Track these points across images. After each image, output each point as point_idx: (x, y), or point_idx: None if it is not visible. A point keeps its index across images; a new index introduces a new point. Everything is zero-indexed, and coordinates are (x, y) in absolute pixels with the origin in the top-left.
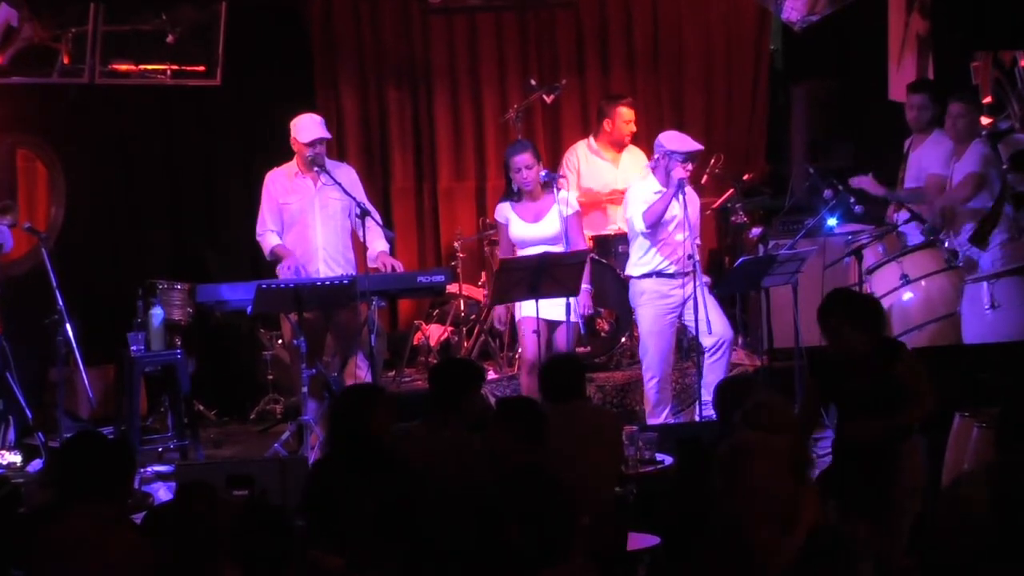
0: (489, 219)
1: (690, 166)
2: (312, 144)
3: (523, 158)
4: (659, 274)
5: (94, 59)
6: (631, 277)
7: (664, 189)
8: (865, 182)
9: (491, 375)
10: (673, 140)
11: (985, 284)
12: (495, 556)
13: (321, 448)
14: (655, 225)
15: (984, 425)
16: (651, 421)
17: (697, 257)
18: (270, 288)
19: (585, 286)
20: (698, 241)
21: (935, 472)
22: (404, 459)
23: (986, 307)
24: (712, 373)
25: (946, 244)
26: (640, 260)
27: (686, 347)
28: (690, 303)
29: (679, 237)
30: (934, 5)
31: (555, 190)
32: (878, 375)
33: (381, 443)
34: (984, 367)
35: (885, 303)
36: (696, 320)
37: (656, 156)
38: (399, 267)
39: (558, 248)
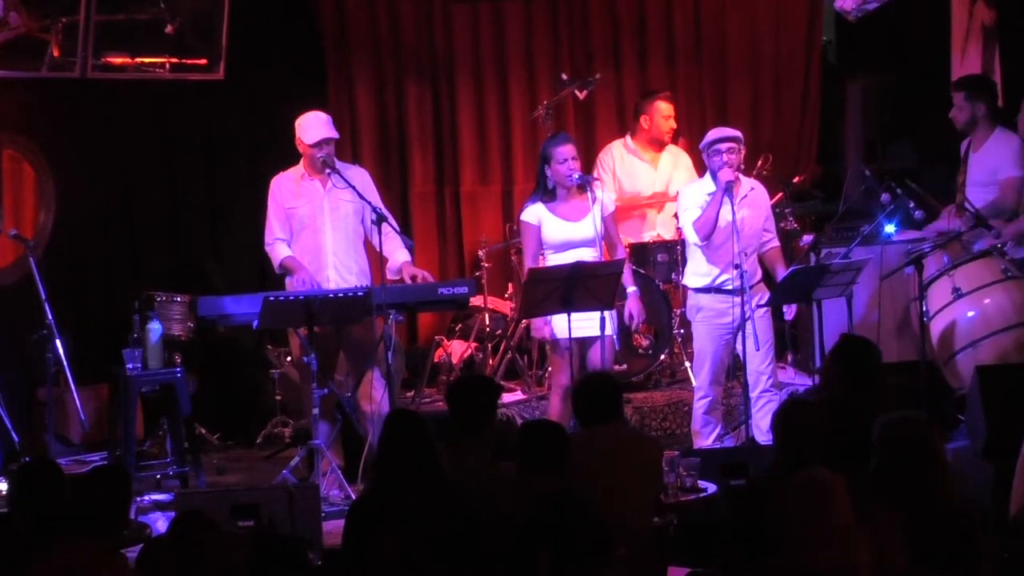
0: (516, 225)
1: (730, 157)
2: (319, 145)
3: (569, 148)
4: (717, 290)
5: (86, 51)
6: (688, 288)
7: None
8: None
9: (519, 395)
10: (707, 136)
11: None
12: None
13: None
14: (709, 236)
15: None
16: (698, 444)
17: (745, 267)
18: (278, 300)
19: (632, 289)
20: (774, 243)
21: (1002, 501)
22: (461, 490)
23: None
24: (762, 418)
25: (1008, 255)
26: (697, 271)
27: (731, 365)
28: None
29: (732, 247)
30: None
31: (590, 191)
32: None
33: (441, 473)
34: None
35: (939, 319)
36: (743, 345)
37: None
38: (429, 277)
39: (594, 252)
